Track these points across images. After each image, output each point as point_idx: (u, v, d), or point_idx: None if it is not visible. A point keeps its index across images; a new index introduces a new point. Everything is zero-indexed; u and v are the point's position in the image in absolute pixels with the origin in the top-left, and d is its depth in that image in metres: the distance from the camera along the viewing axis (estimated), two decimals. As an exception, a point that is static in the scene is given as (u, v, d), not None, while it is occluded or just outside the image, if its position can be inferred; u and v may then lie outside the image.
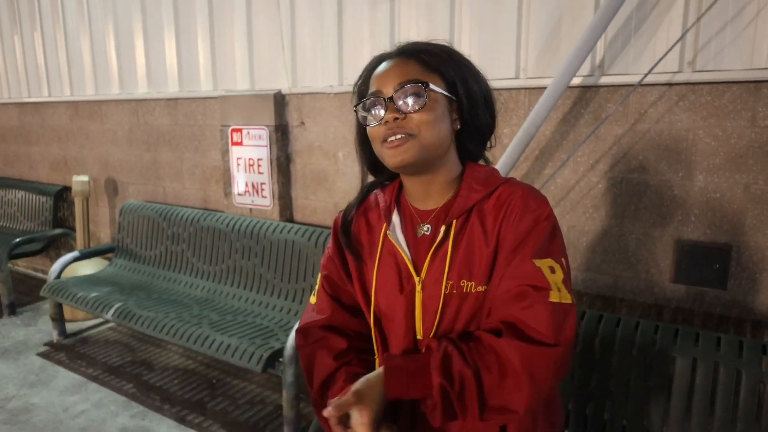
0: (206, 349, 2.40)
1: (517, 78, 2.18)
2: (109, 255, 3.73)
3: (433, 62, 0.92)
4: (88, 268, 3.61)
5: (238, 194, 3.14)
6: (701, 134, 1.86)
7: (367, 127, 0.94)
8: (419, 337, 0.95)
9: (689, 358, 1.56)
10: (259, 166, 3.00)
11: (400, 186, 1.05)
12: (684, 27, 1.84)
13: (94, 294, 3.01)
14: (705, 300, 1.92)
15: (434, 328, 0.93)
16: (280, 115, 2.94)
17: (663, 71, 1.88)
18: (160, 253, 3.41)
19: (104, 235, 4.18)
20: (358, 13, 2.59)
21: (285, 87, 2.92)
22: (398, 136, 0.89)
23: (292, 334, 2.26)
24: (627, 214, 2.03)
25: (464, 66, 0.96)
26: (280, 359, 2.26)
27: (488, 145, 1.05)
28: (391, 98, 0.89)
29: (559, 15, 2.07)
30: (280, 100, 2.93)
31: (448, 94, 0.93)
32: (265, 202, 3.03)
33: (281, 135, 2.95)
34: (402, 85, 0.89)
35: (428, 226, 0.97)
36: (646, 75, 1.85)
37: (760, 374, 1.49)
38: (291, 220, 3.05)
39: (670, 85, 1.89)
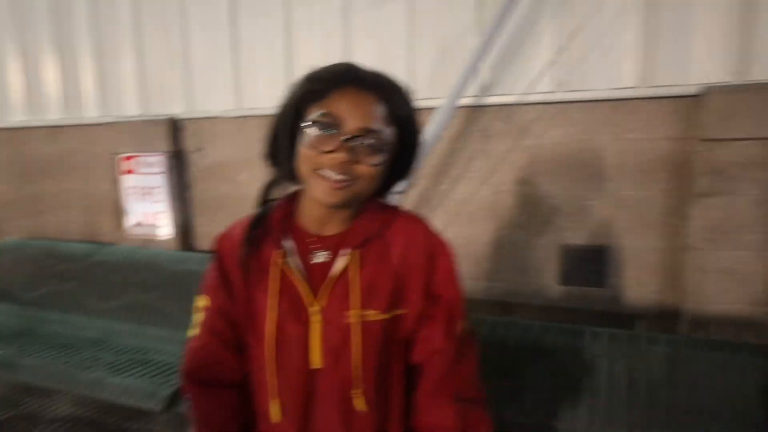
0: (102, 393, 2.22)
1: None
2: (-16, 300, 3.35)
3: (399, 114, 0.89)
4: (-42, 316, 3.22)
5: (133, 225, 2.97)
6: (575, 148, 2.05)
7: (308, 147, 0.86)
8: (316, 366, 0.92)
9: (579, 354, 1.69)
10: (155, 194, 2.86)
11: (288, 207, 1.00)
12: (555, 50, 2.03)
13: (-35, 345, 2.68)
14: (589, 299, 2.10)
15: (337, 358, 0.92)
16: (176, 140, 2.84)
17: (540, 91, 2.06)
18: (45, 294, 3.12)
19: (-23, 279, 3.75)
20: (254, 39, 2.59)
21: (180, 111, 2.83)
22: (341, 177, 0.84)
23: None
24: (517, 223, 2.18)
25: (417, 124, 0.95)
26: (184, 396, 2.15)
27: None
28: (350, 138, 0.84)
29: (445, 40, 2.20)
30: (175, 125, 2.83)
31: (396, 147, 0.91)
32: (164, 231, 2.89)
33: (178, 161, 2.85)
34: (368, 133, 0.84)
35: (326, 252, 0.94)
36: (523, 95, 2.02)
37: (638, 362, 1.65)
38: (192, 248, 2.93)
39: (547, 103, 2.07)
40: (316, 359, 0.92)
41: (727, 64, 1.83)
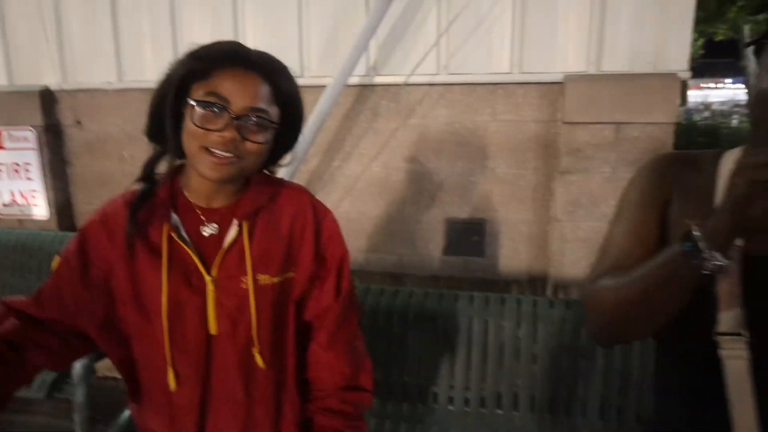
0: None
1: (301, 77, 2.30)
2: None
3: (283, 93, 0.92)
4: None
5: (3, 204, 2.73)
6: (457, 127, 2.20)
7: (194, 125, 0.87)
8: (213, 332, 0.96)
9: (465, 318, 1.84)
10: (27, 171, 2.65)
11: (173, 182, 1.00)
12: (438, 33, 2.14)
13: None
14: (469, 268, 2.28)
15: (232, 322, 0.96)
16: (50, 113, 2.63)
17: (425, 73, 2.17)
18: None
19: None
20: (136, 8, 2.45)
21: (54, 83, 2.62)
22: (227, 155, 0.87)
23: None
24: (406, 199, 2.30)
25: (300, 103, 0.98)
26: (67, 381, 2.06)
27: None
28: (238, 117, 0.86)
29: (335, 20, 2.23)
30: (48, 97, 2.62)
31: (279, 125, 0.94)
32: (39, 211, 2.69)
33: (53, 136, 2.65)
34: (254, 111, 0.87)
35: (215, 225, 0.97)
36: (409, 76, 2.12)
37: (507, 322, 1.83)
38: (72, 228, 2.76)
39: (431, 85, 2.19)
40: (214, 326, 0.96)
41: (585, 56, 2.04)
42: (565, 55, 2.06)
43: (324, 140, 2.31)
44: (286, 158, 1.06)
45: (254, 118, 0.88)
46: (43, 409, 2.59)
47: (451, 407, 1.84)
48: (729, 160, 0.81)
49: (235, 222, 0.97)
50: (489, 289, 2.27)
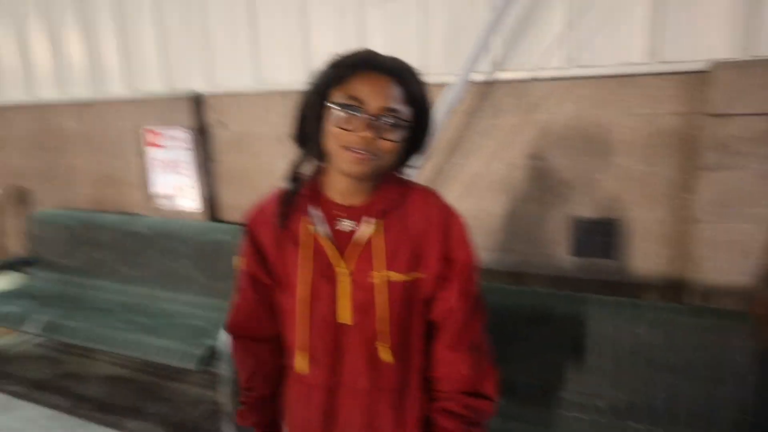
0: (141, 353, 2.41)
1: (425, 75, 2.33)
2: (24, 268, 3.57)
3: (415, 96, 0.99)
4: (1, 282, 3.45)
5: (162, 197, 3.12)
6: (585, 122, 2.10)
7: (334, 126, 0.96)
8: (342, 321, 1.05)
9: (594, 322, 1.79)
10: (181, 167, 2.99)
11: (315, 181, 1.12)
12: (566, 26, 2.06)
13: (9, 308, 2.90)
14: (597, 269, 2.18)
15: (362, 314, 1.04)
16: (200, 115, 2.95)
17: (551, 67, 2.10)
18: (82, 262, 3.32)
19: (15, 247, 3.98)
20: (271, 17, 2.65)
21: (203, 87, 2.93)
22: (365, 153, 0.95)
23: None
24: (529, 196, 2.26)
25: (430, 104, 1.05)
26: (215, 355, 2.32)
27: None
28: (373, 117, 0.94)
29: (457, 17, 2.24)
30: (198, 101, 2.93)
31: (412, 124, 1.02)
32: (190, 203, 3.03)
33: (202, 135, 2.96)
34: (387, 111, 0.95)
35: (351, 221, 1.06)
36: (534, 71, 2.06)
37: (638, 329, 1.75)
38: (218, 219, 3.07)
39: (557, 79, 2.11)
40: (344, 315, 1.05)
41: (734, 40, 1.84)
42: (709, 40, 1.88)
43: (446, 137, 2.34)
44: (417, 160, 1.11)
45: (388, 118, 0.95)
46: (193, 379, 2.93)
47: (580, 415, 1.80)
48: None
49: (368, 219, 1.05)
50: (618, 293, 2.16)
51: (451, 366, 1.09)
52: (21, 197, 3.82)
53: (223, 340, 2.31)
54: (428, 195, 1.10)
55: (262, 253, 1.12)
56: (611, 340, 1.78)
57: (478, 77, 2.21)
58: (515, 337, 1.87)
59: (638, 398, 1.74)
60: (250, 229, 1.14)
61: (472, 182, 2.34)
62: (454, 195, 2.34)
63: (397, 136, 0.97)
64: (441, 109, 2.11)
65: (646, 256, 2.11)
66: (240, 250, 1.16)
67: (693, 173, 1.96)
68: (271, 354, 1.18)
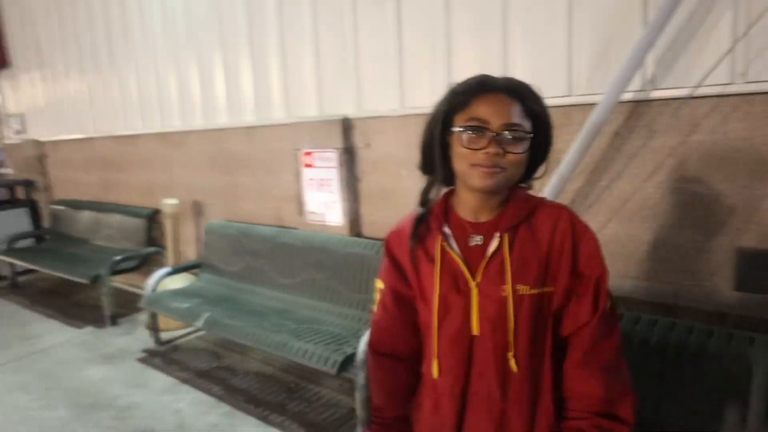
0: (287, 353, 2.64)
1: (569, 95, 2.29)
2: (195, 270, 4.10)
3: (533, 110, 1.07)
4: (178, 282, 3.99)
5: (311, 212, 3.40)
6: (758, 143, 1.90)
7: (463, 146, 1.04)
8: (475, 333, 1.10)
9: (754, 363, 1.60)
10: (329, 185, 3.24)
11: (446, 201, 1.21)
12: (734, 38, 1.89)
13: (186, 305, 3.35)
14: (765, 307, 1.93)
15: (494, 326, 1.08)
16: (347, 138, 3.18)
17: (714, 83, 1.94)
18: (240, 268, 3.73)
19: (190, 253, 4.58)
20: (416, 45, 2.80)
21: (351, 112, 3.16)
22: (493, 168, 1.03)
23: (363, 340, 2.45)
24: (684, 223, 2.08)
25: (548, 116, 1.12)
26: (353, 363, 2.46)
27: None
28: (498, 134, 1.02)
29: (608, 33, 2.17)
30: (346, 125, 3.17)
31: (533, 137, 1.09)
32: (336, 218, 3.26)
33: (348, 156, 3.19)
34: (509, 127, 1.02)
35: (480, 236, 1.12)
36: (695, 88, 1.92)
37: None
38: (359, 235, 3.27)
39: (722, 96, 1.94)
40: (476, 327, 1.10)
41: None
42: None
43: (590, 159, 2.25)
44: (541, 170, 1.17)
45: (511, 133, 1.02)
46: (332, 384, 3.12)
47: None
48: None
49: (497, 234, 1.09)
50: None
51: (583, 384, 1.08)
52: (198, 210, 4.41)
53: (362, 348, 2.43)
54: (558, 209, 1.13)
55: (401, 270, 1.21)
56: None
57: (629, 96, 2.11)
58: (663, 373, 1.73)
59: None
60: (389, 249, 1.25)
61: (619, 206, 2.22)
62: (599, 220, 2.24)
63: (520, 148, 1.04)
64: (585, 131, 2.05)
65: (833, 296, 1.82)
66: (380, 271, 1.27)
67: None
68: (407, 373, 1.25)
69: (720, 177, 1.98)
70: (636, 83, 2.10)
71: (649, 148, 2.11)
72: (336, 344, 2.62)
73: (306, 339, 2.70)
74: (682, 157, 2.05)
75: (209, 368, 3.44)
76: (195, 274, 4.11)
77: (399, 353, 1.25)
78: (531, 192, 1.18)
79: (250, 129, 3.80)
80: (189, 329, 4.04)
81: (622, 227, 2.22)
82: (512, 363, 1.08)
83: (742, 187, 1.94)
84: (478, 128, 1.03)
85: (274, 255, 3.50)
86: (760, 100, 1.87)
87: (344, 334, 2.79)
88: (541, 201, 1.15)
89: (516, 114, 1.04)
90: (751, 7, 1.85)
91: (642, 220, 2.18)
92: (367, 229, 3.25)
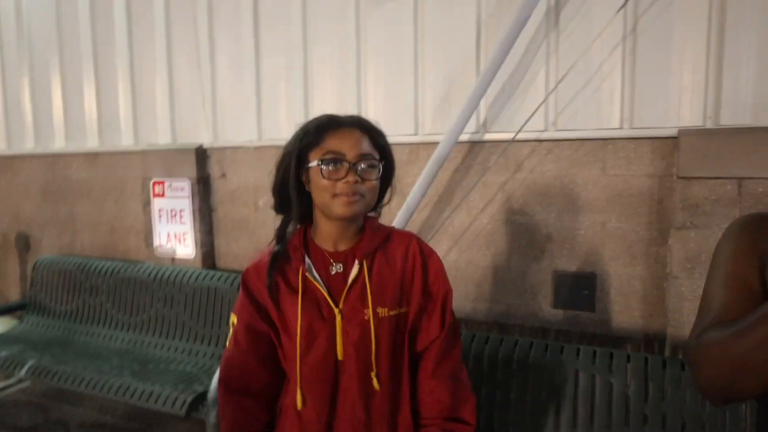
0: (128, 398, 2.43)
1: (416, 135, 2.50)
2: (19, 313, 3.60)
3: (379, 142, 1.17)
4: (-5, 326, 3.47)
5: (160, 244, 3.21)
6: (566, 181, 2.24)
7: (321, 178, 1.10)
8: (340, 357, 1.15)
9: (571, 371, 1.84)
10: (181, 216, 3.10)
11: (304, 233, 1.24)
12: (546, 92, 2.24)
13: (3, 353, 2.92)
14: (579, 321, 2.25)
15: (356, 350, 1.14)
16: (202, 167, 3.09)
17: (533, 129, 2.26)
18: (76, 307, 3.36)
19: (12, 292, 4.02)
20: (275, 78, 2.85)
21: (206, 141, 3.09)
22: (353, 196, 1.10)
23: (216, 378, 2.34)
24: (513, 250, 2.36)
25: (389, 148, 1.22)
26: (204, 403, 2.34)
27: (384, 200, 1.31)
28: (354, 164, 1.10)
29: (449, 80, 2.42)
30: (201, 154, 3.08)
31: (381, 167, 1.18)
32: (188, 250, 3.12)
33: (203, 186, 3.09)
34: (364, 157, 1.11)
35: (341, 264, 1.18)
36: (517, 132, 2.22)
37: (625, 380, 1.79)
38: (214, 267, 3.15)
39: (539, 141, 2.27)
40: (341, 351, 1.15)
41: (700, 110, 2.01)
42: (678, 109, 2.05)
43: (435, 193, 2.47)
44: (386, 198, 1.27)
45: (365, 162, 1.11)
46: (182, 428, 2.91)
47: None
48: None
49: (356, 261, 1.17)
50: (600, 344, 2.22)
51: (433, 394, 1.18)
52: (25, 243, 3.91)
53: (214, 386, 2.33)
54: (408, 237, 1.25)
55: (258, 305, 1.22)
56: (589, 389, 1.82)
57: (466, 137, 2.36)
58: (495, 385, 1.91)
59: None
60: (245, 284, 1.25)
61: (460, 235, 2.45)
62: (442, 247, 2.44)
63: (375, 175, 1.13)
64: (429, 166, 2.25)
65: (625, 309, 2.18)
66: (236, 305, 1.25)
67: (668, 232, 2.07)
68: (260, 410, 1.23)
69: (539, 209, 2.30)
70: (471, 126, 2.36)
71: (483, 183, 2.38)
72: (185, 384, 2.48)
73: (151, 380, 2.51)
74: (509, 192, 2.34)
75: (34, 424, 3.01)
76: (18, 317, 3.60)
77: (252, 389, 1.23)
78: (380, 221, 1.28)
79: (92, 155, 3.51)
80: (9, 381, 3.50)
81: (462, 254, 2.44)
82: (375, 382, 1.14)
83: (555, 219, 2.27)
84: (336, 160, 1.10)
85: (117, 291, 3.22)
86: (567, 146, 2.22)
87: (195, 372, 2.65)
88: (392, 229, 1.26)
89: (367, 144, 1.13)
90: (559, 65, 2.21)
91: (478, 248, 2.42)
92: (221, 261, 3.15)
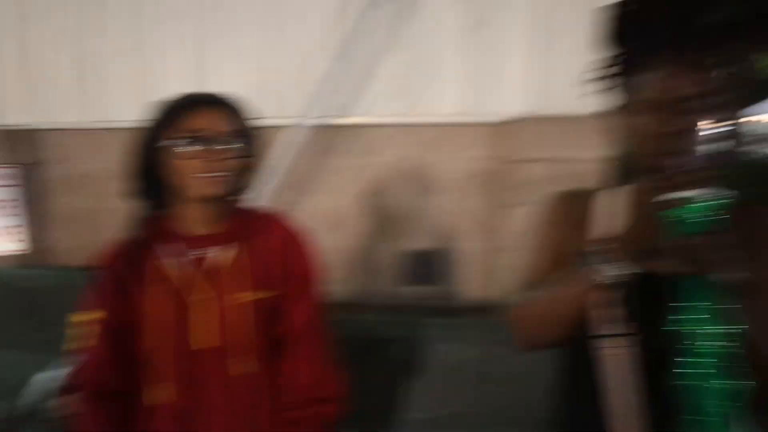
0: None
1: (273, 117, 2.44)
2: None
3: (239, 117, 1.11)
4: None
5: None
6: (413, 164, 2.38)
7: (181, 159, 1.05)
8: (198, 346, 1.09)
9: (421, 343, 1.95)
10: (4, 208, 2.74)
11: (160, 218, 1.17)
12: (392, 79, 2.32)
13: None
14: (426, 296, 2.41)
15: (218, 337, 1.09)
16: (32, 152, 2.75)
17: (381, 114, 2.34)
18: None
19: None
20: (114, 53, 2.61)
21: (34, 122, 2.74)
22: (216, 174, 1.05)
23: (40, 388, 2.12)
24: (365, 232, 2.45)
25: (254, 128, 1.17)
26: (26, 416, 2.11)
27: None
28: (214, 142, 1.04)
29: (298, 65, 2.41)
30: (29, 136, 2.73)
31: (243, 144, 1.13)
32: (17, 246, 2.77)
33: (34, 174, 2.76)
34: (225, 135, 1.06)
35: (201, 249, 1.12)
36: (367, 117, 2.30)
37: (465, 346, 1.95)
38: (48, 264, 2.84)
39: (386, 126, 2.36)
40: (202, 340, 1.09)
41: (530, 99, 2.23)
42: (511, 97, 2.25)
43: (293, 176, 2.45)
44: (252, 180, 1.22)
45: (229, 140, 1.07)
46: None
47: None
48: (604, 197, 0.96)
49: (219, 245, 1.12)
50: (446, 316, 2.39)
51: (295, 377, 1.16)
52: None
53: (35, 399, 2.10)
54: (274, 217, 1.21)
55: (114, 297, 1.13)
56: (442, 358, 1.96)
57: (315, 122, 2.38)
58: (351, 365, 1.97)
59: (467, 409, 1.92)
60: (100, 275, 1.15)
61: (315, 218, 2.45)
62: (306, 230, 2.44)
63: (236, 155, 1.08)
64: (283, 150, 2.23)
65: (467, 282, 2.38)
66: (86, 301, 1.15)
67: (502, 209, 2.28)
68: (125, 414, 1.13)
69: (389, 192, 2.40)
70: (330, 109, 2.37)
71: (335, 167, 2.43)
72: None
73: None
74: (360, 176, 2.42)
75: None
76: None
77: (112, 388, 1.13)
78: (246, 203, 1.23)
79: None
80: None
81: (325, 237, 2.45)
82: (238, 368, 1.11)
83: (404, 201, 2.39)
84: (196, 139, 1.05)
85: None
86: (412, 130, 2.35)
87: (18, 383, 2.36)
88: (260, 210, 1.22)
89: (231, 123, 1.09)
90: (404, 53, 2.29)
91: (332, 230, 2.47)
92: (59, 257, 2.85)
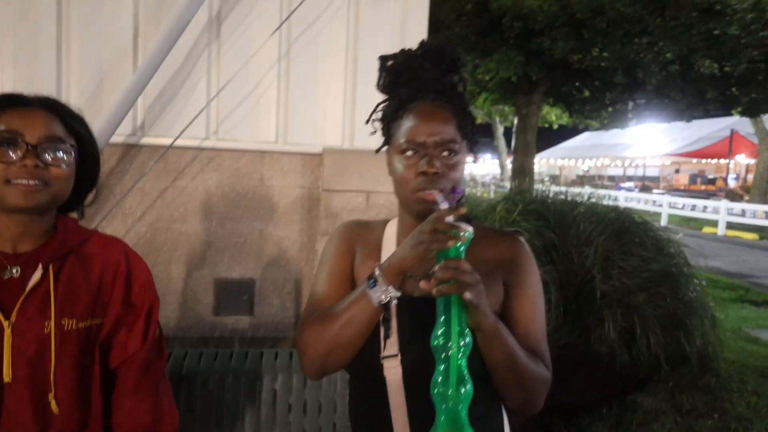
0: None
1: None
2: None
3: (72, 123, 0.99)
4: None
5: None
6: (226, 190, 2.30)
7: None
8: (7, 380, 0.94)
9: (227, 375, 1.87)
10: None
11: None
12: (207, 99, 2.25)
13: None
14: (239, 326, 2.33)
15: (33, 369, 0.95)
16: None
17: (194, 137, 2.24)
18: None
19: None
20: None
21: None
22: (33, 182, 0.92)
23: None
24: (174, 259, 2.29)
25: (93, 138, 1.04)
26: None
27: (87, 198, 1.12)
28: (35, 146, 0.92)
29: (100, 73, 2.20)
30: None
31: (78, 156, 0.99)
32: None
33: None
34: (49, 139, 0.93)
35: (18, 268, 0.98)
36: (177, 138, 2.17)
37: (274, 376, 1.91)
38: None
39: (200, 149, 2.27)
40: (8, 372, 0.94)
41: (340, 132, 2.35)
42: (324, 130, 2.34)
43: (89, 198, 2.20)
44: (90, 197, 1.12)
45: (52, 145, 0.95)
46: None
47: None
48: (391, 226, 1.06)
49: (40, 265, 0.98)
50: (260, 346, 2.33)
51: (131, 414, 1.06)
52: None
53: None
54: (113, 242, 1.10)
55: None
56: (247, 389, 1.90)
57: (120, 139, 2.19)
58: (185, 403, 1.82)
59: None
60: None
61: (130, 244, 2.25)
62: (92, 259, 2.19)
63: (65, 162, 0.96)
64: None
65: (282, 311, 2.36)
66: None
67: (315, 238, 2.33)
68: None
69: (200, 218, 2.29)
70: (128, 127, 2.20)
71: (140, 189, 2.24)
72: None
73: None
74: (169, 200, 2.27)
75: None
76: None
77: None
78: (76, 220, 1.09)
79: None
80: None
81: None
82: (53, 405, 0.97)
83: (216, 226, 2.30)
84: (11, 140, 0.92)
85: None
86: (227, 155, 2.29)
87: None
88: (94, 232, 1.10)
89: (57, 127, 0.97)
90: (221, 76, 2.25)
91: (150, 258, 2.26)
92: None
